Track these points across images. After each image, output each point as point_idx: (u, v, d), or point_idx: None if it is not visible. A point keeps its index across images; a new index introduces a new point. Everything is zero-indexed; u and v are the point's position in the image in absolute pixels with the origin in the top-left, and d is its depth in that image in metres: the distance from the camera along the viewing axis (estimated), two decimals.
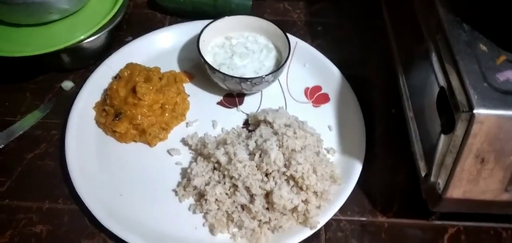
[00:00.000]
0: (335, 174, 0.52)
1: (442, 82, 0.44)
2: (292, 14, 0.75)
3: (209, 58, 0.61)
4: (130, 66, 0.60)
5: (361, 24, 0.73)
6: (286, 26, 0.71)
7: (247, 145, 0.52)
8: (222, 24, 0.64)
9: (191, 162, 0.54)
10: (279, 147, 0.50)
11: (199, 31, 0.62)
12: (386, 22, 0.64)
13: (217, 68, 0.59)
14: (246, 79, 0.58)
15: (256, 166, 0.50)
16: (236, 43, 0.64)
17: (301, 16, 0.75)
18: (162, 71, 0.62)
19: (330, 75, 0.63)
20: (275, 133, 0.53)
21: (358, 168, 0.53)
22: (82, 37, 0.59)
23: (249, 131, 0.57)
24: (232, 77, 0.58)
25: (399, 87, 0.56)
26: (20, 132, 0.58)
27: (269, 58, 0.63)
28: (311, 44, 0.68)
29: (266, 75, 0.58)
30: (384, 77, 0.63)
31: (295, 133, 0.52)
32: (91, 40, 0.60)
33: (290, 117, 0.56)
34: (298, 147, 0.50)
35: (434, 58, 0.46)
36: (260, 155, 0.50)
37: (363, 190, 0.54)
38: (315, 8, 0.76)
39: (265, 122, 0.55)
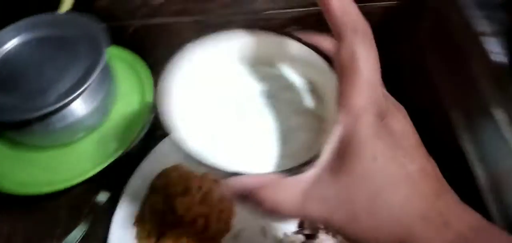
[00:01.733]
0: None
1: None
2: None
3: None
4: (166, 175, 0.56)
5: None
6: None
7: None
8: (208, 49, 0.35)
9: None
10: None
11: None
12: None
13: (198, 152, 0.30)
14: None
15: None
16: (240, 86, 0.36)
17: None
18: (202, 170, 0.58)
19: None
20: None
21: None
22: (115, 156, 0.55)
23: (306, 238, 0.51)
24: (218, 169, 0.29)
25: (468, 160, 0.49)
26: None
27: (303, 113, 0.34)
28: None
29: (297, 167, 0.29)
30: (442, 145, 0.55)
31: None
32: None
33: None
34: None
35: None
36: None
37: None
38: None
39: (326, 230, 0.49)
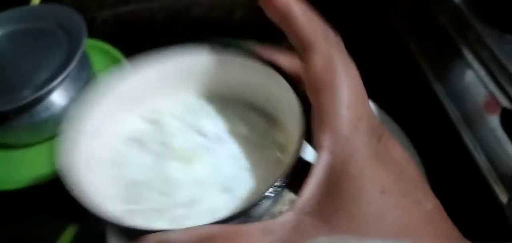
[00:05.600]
0: None
1: (505, 103, 0.42)
2: None
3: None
4: None
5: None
6: None
7: None
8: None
9: None
10: None
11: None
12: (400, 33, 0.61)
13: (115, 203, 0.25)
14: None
15: None
16: (172, 123, 0.29)
17: None
18: None
19: None
20: None
21: None
22: None
23: None
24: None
25: (446, 112, 0.53)
26: None
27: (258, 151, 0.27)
28: None
29: (251, 208, 0.22)
30: (420, 102, 0.59)
31: None
32: None
33: None
34: None
35: (487, 79, 0.44)
36: None
37: None
38: None
39: None
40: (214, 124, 0.28)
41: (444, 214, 0.22)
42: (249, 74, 0.28)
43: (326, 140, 0.21)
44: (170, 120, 0.29)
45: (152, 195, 0.25)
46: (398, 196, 0.21)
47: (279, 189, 0.22)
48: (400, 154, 0.22)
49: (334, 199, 0.20)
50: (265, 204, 0.22)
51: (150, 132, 0.28)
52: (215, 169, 0.26)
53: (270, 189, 0.22)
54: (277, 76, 0.26)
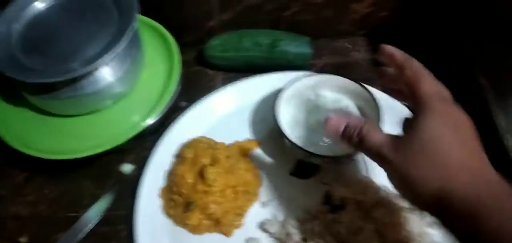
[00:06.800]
0: None
1: None
2: (354, 54, 0.69)
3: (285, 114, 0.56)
4: (193, 145, 0.55)
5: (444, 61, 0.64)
6: (348, 70, 0.65)
7: (337, 232, 0.47)
8: (300, 84, 0.57)
9: None
10: (379, 236, 0.45)
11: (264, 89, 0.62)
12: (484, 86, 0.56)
13: (288, 132, 0.53)
14: (323, 157, 0.51)
15: None
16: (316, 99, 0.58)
17: (364, 54, 0.68)
18: (226, 142, 0.57)
19: None
20: (367, 216, 0.47)
21: None
22: (142, 126, 0.54)
23: (333, 209, 0.51)
24: (302, 149, 0.51)
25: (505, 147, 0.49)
26: (87, 230, 0.54)
27: None
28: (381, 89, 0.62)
29: (342, 157, 0.52)
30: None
31: (392, 214, 0.46)
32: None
33: (382, 190, 0.50)
34: (401, 237, 0.45)
35: None
36: None
37: None
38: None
39: (353, 201, 0.49)
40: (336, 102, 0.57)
41: (467, 147, 0.36)
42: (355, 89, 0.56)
43: (417, 103, 0.39)
44: (325, 96, 0.57)
45: (303, 131, 0.54)
46: (439, 129, 0.36)
47: None
48: (457, 117, 0.38)
49: (412, 125, 0.38)
50: None
51: (310, 100, 0.57)
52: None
53: None
54: (363, 90, 0.55)
